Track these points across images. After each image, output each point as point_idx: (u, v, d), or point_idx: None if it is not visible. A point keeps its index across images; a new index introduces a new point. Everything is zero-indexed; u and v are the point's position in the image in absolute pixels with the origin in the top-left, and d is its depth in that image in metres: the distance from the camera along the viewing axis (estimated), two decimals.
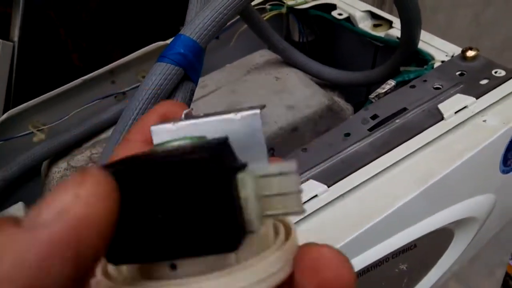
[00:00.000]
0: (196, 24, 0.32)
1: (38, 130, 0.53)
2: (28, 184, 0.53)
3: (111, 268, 0.12)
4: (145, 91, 0.31)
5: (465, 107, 0.41)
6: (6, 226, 0.09)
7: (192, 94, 0.34)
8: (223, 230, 0.10)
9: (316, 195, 0.35)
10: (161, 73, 0.31)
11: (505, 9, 0.80)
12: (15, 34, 0.78)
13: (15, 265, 0.08)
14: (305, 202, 0.34)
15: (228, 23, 0.56)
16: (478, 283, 0.79)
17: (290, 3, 0.59)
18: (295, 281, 0.12)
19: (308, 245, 0.13)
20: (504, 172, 0.43)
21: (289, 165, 0.11)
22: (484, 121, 0.40)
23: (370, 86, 0.55)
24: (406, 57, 0.48)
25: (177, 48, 0.32)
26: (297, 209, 0.12)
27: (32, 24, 0.79)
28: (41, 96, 0.53)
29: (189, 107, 0.34)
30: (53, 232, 0.09)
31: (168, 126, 0.13)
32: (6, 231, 0.09)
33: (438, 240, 0.43)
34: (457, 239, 0.45)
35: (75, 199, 0.09)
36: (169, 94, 0.33)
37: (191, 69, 0.32)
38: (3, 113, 0.51)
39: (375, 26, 0.54)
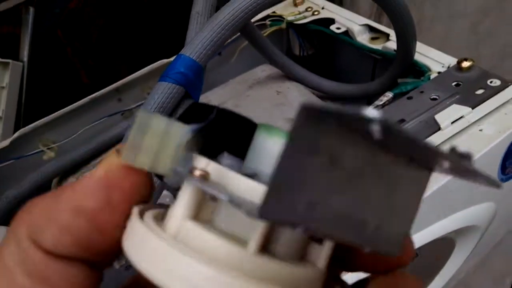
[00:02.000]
0: (196, 44, 0.34)
1: (48, 148, 0.54)
2: None
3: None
4: (148, 110, 0.33)
5: (461, 117, 0.42)
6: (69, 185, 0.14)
7: None
8: None
9: None
10: (162, 92, 0.32)
11: (502, 18, 0.81)
12: (24, 54, 0.81)
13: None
14: None
15: (229, 40, 0.58)
16: None
17: (289, 18, 0.61)
18: None
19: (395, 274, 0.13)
20: (503, 180, 0.44)
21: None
22: (481, 130, 0.41)
23: (370, 98, 0.56)
24: (403, 69, 0.49)
25: (178, 68, 0.33)
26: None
27: (41, 44, 0.81)
28: (51, 115, 0.54)
29: None
30: (88, 177, 0.13)
31: None
32: (68, 186, 0.13)
33: (440, 249, 0.43)
34: (459, 248, 0.45)
35: (107, 156, 0.13)
36: (171, 112, 0.34)
37: (191, 87, 0.34)
38: (14, 131, 0.53)
39: (373, 39, 0.55)
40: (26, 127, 0.53)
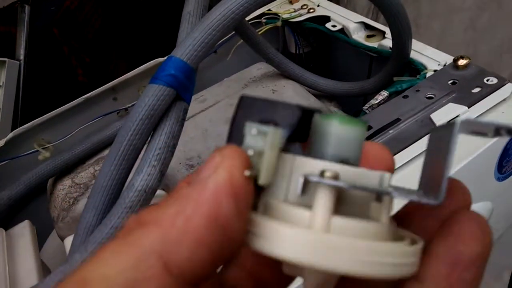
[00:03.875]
0: (186, 46, 0.33)
1: (43, 148, 0.54)
2: (34, 202, 0.54)
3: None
4: (139, 112, 0.32)
5: (457, 116, 0.41)
6: (181, 187, 0.12)
7: (185, 113, 0.35)
8: None
9: None
10: (153, 94, 0.32)
11: (500, 13, 0.81)
12: (21, 52, 0.80)
13: (195, 211, 0.11)
14: None
15: (224, 38, 0.58)
16: (486, 286, 0.79)
17: (285, 16, 0.60)
18: (432, 246, 0.13)
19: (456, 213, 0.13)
20: (500, 179, 0.43)
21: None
22: None
23: (366, 96, 0.55)
24: (399, 67, 0.48)
25: (168, 70, 0.33)
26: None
27: (37, 42, 0.81)
28: (46, 115, 0.54)
29: (182, 125, 0.35)
30: (212, 181, 0.11)
31: None
32: (182, 190, 0.12)
33: None
34: None
35: (222, 158, 0.12)
36: (163, 114, 0.34)
37: (182, 89, 0.33)
38: (12, 130, 0.53)
39: (369, 36, 0.55)
40: (21, 127, 0.53)
